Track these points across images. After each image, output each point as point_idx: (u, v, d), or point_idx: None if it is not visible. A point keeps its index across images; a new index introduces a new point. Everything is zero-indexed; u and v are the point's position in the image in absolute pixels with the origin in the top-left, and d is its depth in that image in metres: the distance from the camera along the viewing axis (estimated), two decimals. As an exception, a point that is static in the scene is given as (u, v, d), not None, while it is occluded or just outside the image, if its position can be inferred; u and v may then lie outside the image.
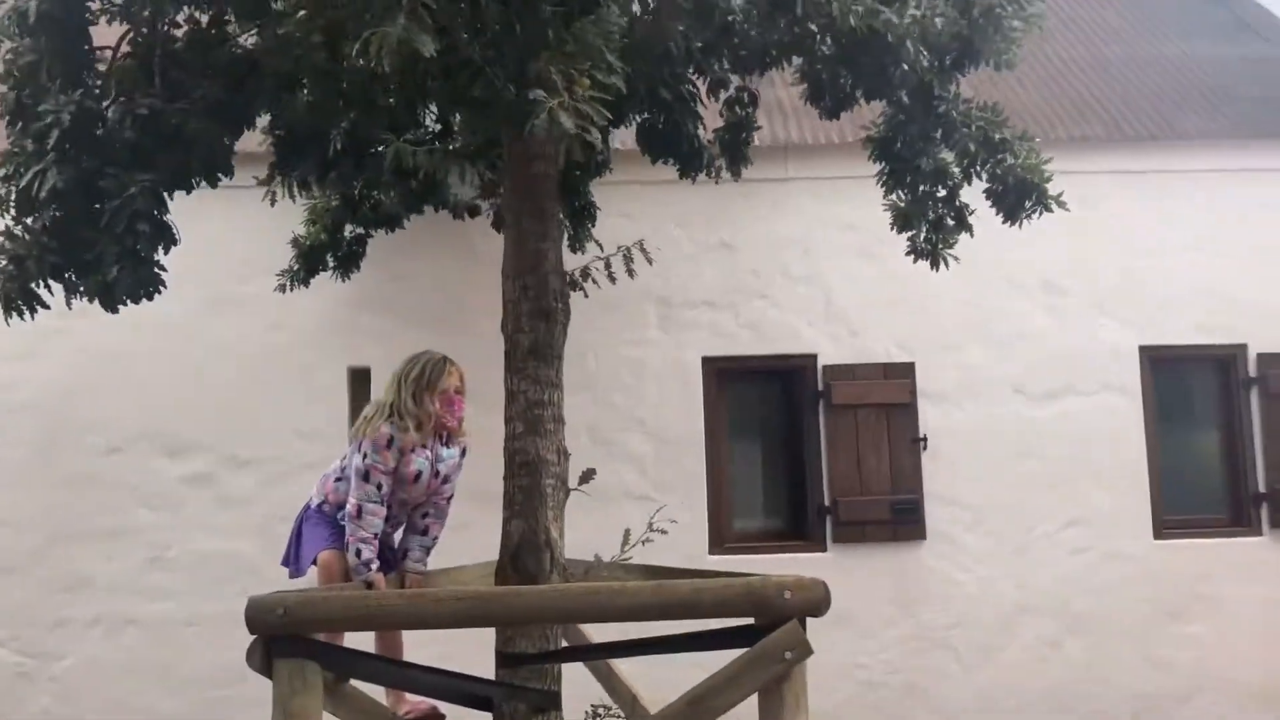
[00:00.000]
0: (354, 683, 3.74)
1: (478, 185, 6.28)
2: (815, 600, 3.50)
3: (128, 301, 4.06)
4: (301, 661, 3.45)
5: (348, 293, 7.66)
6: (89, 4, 4.15)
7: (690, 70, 5.22)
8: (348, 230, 7.16)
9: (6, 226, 4.04)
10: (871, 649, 7.70)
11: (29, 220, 3.97)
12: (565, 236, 5.81)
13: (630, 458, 7.80)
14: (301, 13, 4.29)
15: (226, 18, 4.50)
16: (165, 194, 4.06)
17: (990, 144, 5.60)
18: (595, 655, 4.70)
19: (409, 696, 4.51)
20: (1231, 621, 7.87)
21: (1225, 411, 8.29)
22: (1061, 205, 5.68)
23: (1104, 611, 7.84)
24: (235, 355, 7.74)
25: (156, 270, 4.09)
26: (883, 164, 5.87)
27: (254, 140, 5.41)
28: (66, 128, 3.74)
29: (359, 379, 7.83)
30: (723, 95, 5.76)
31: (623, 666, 4.91)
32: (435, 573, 4.76)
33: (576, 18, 3.34)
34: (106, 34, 4.34)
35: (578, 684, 4.81)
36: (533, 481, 4.42)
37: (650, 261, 6.15)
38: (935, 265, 6.03)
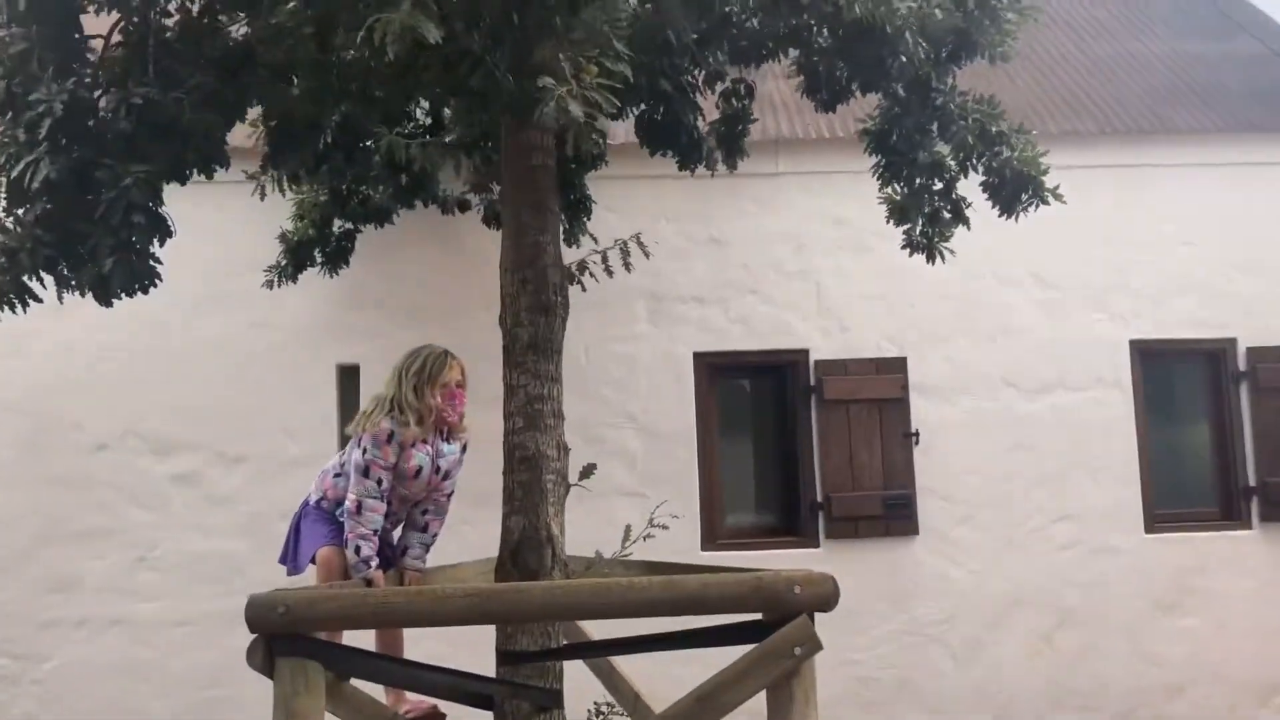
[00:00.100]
0: (354, 682, 3.68)
1: (471, 178, 6.25)
2: (825, 595, 3.46)
3: (122, 295, 3.99)
4: (303, 661, 3.38)
5: (336, 289, 7.60)
6: (80, -9, 4.09)
7: (687, 62, 5.17)
8: (336, 225, 7.09)
9: (-1, 219, 3.98)
10: (864, 644, 7.67)
11: (20, 212, 3.89)
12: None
13: (621, 454, 7.76)
14: (292, 3, 4.24)
15: (217, 7, 4.43)
16: (160, 185, 3.98)
17: (987, 137, 5.59)
18: (598, 652, 4.65)
19: (409, 695, 4.46)
20: (1222, 615, 7.90)
21: (1215, 405, 8.30)
22: (1058, 198, 5.67)
23: (1096, 605, 7.85)
24: (223, 352, 7.65)
25: (152, 263, 4.02)
26: (879, 157, 5.84)
27: (241, 134, 5.33)
28: (59, 117, 3.65)
29: (348, 376, 7.77)
30: (719, 87, 5.72)
31: (623, 664, 4.86)
32: (433, 570, 4.70)
33: (583, 4, 3.28)
34: (96, 24, 4.26)
35: (579, 682, 4.78)
36: (533, 477, 4.37)
37: (647, 255, 6.10)
38: (931, 259, 6.01)
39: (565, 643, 4.47)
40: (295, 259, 7.06)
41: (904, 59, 5.16)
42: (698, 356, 7.98)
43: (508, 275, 4.56)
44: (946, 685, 7.75)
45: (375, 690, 4.16)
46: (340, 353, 7.76)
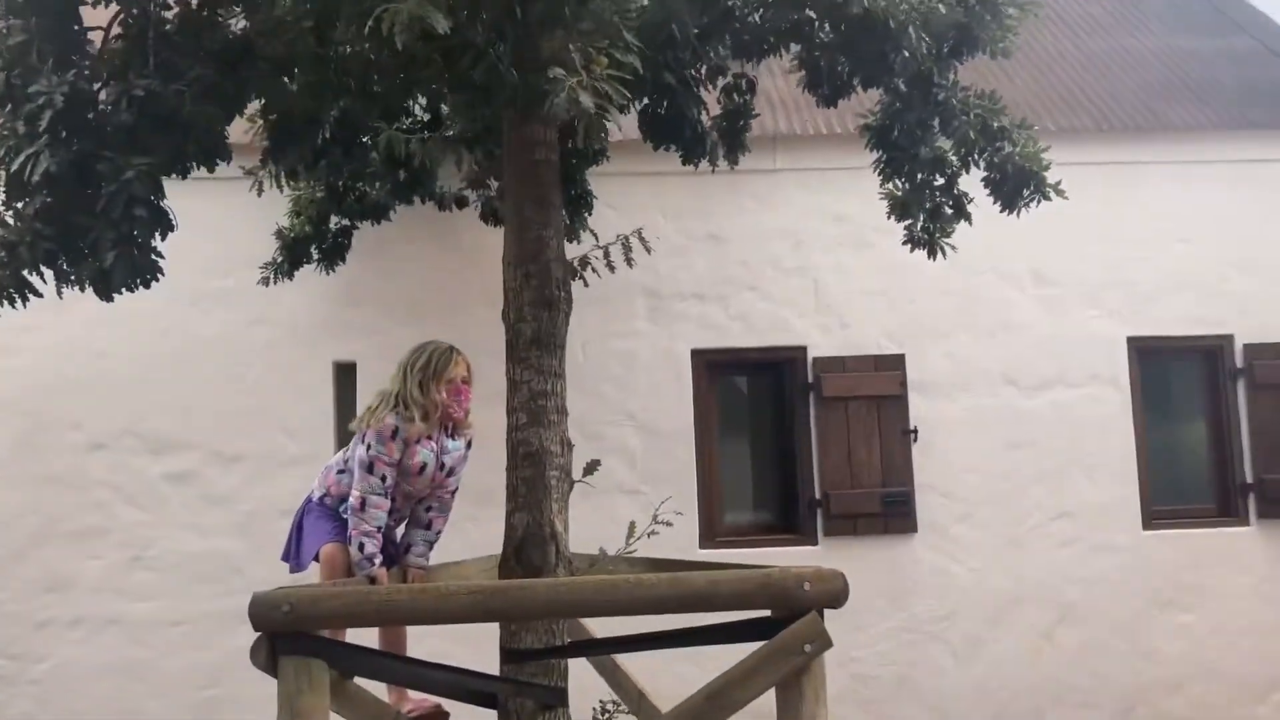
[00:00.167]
0: (356, 680, 3.65)
1: (472, 174, 6.22)
2: (834, 591, 3.45)
3: (123, 290, 3.94)
4: (307, 659, 3.35)
5: (332, 286, 7.55)
6: (80, -18, 4.05)
7: (689, 55, 5.14)
8: (333, 222, 7.05)
9: (-2, 213, 3.93)
10: (864, 642, 7.65)
11: (19, 205, 3.85)
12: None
13: (620, 451, 7.72)
14: (291, -3, 4.21)
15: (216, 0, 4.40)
16: (161, 178, 3.94)
17: (989, 132, 5.59)
18: (604, 650, 4.62)
19: (412, 694, 4.42)
20: (1221, 611, 7.90)
21: (1213, 402, 8.30)
22: (1060, 194, 5.67)
23: (1094, 602, 7.84)
24: (219, 350, 7.60)
25: (154, 256, 3.97)
26: (880, 152, 5.82)
27: (239, 129, 5.29)
28: (60, 110, 3.61)
29: (344, 373, 7.72)
30: (720, 82, 5.69)
31: (626, 661, 4.83)
32: (436, 568, 4.67)
33: (590, -5, 3.25)
34: (95, 16, 4.22)
35: (583, 680, 4.74)
36: (536, 473, 4.34)
37: (649, 250, 6.07)
38: (933, 254, 5.99)
39: (569, 640, 4.43)
40: (292, 256, 7.02)
41: (906, 54, 5.15)
42: (696, 353, 7.95)
43: (510, 270, 4.54)
44: (946, 683, 7.74)
45: (377, 688, 4.13)
46: (337, 350, 7.71)
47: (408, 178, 6.34)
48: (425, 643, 4.91)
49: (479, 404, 4.89)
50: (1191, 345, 8.25)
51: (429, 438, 4.32)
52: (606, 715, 5.13)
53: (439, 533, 4.61)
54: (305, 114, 4.76)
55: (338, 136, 5.57)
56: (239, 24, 4.47)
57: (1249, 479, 8.10)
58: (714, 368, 8.05)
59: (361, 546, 4.17)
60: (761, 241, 8.05)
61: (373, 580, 4.15)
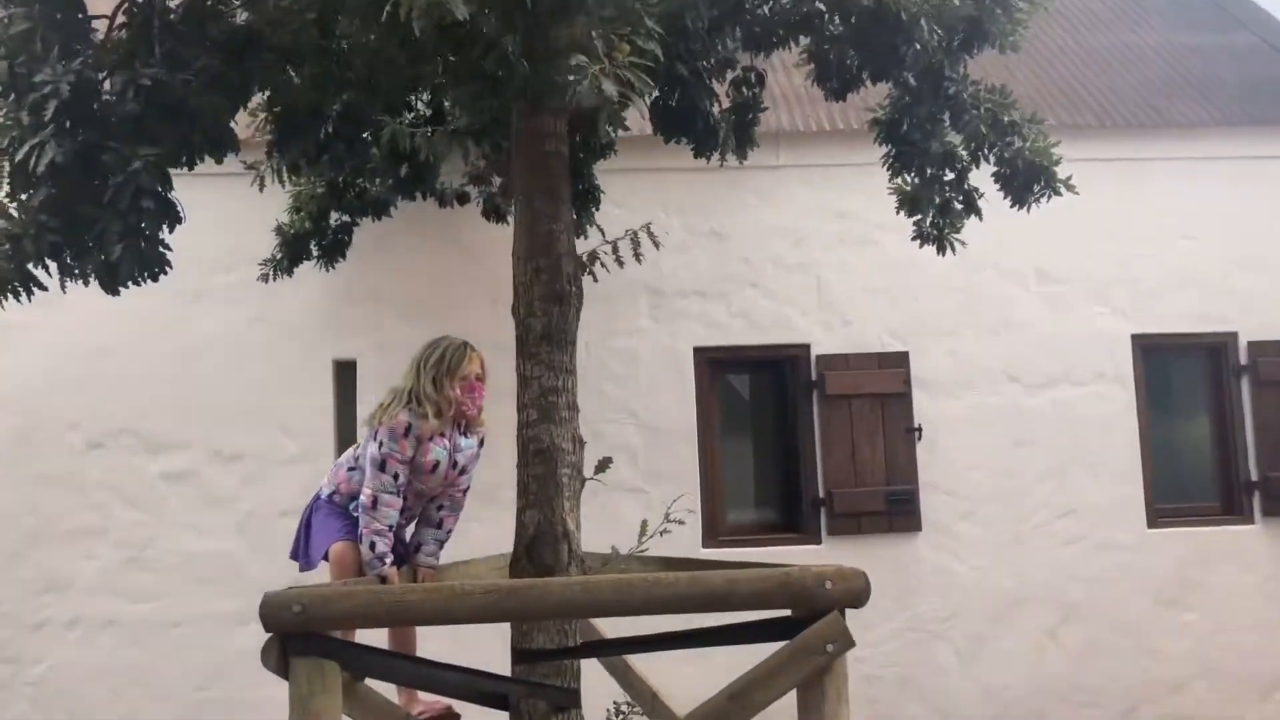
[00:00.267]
0: (367, 681, 3.58)
1: (479, 168, 6.15)
2: (856, 590, 3.40)
3: (129, 284, 3.86)
4: (319, 660, 3.28)
5: (332, 283, 7.49)
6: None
7: (700, 47, 5.08)
8: (333, 218, 6.97)
9: (2, 203, 3.83)
10: (867, 641, 7.55)
11: (23, 197, 3.76)
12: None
13: (622, 449, 7.61)
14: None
15: (222, -11, 4.32)
16: (168, 169, 3.86)
17: (999, 126, 5.53)
18: (617, 650, 4.55)
19: (422, 696, 4.35)
20: (1225, 609, 7.86)
21: (1217, 399, 8.27)
22: (1070, 189, 5.62)
23: (1099, 601, 7.80)
24: (217, 348, 7.52)
25: (161, 249, 3.89)
26: (889, 147, 5.76)
27: (241, 123, 5.21)
28: (65, 99, 3.53)
29: (344, 371, 7.66)
30: (729, 76, 5.62)
31: (638, 662, 4.76)
32: (445, 567, 4.59)
33: (610, -18, 3.18)
34: (98, 4, 4.15)
35: (594, 681, 4.67)
36: (548, 470, 4.27)
37: (658, 246, 6.00)
38: (942, 250, 5.93)
39: (582, 641, 4.36)
40: (291, 252, 6.95)
41: (918, 46, 5.10)
42: (698, 351, 7.89)
43: (520, 264, 4.47)
44: (949, 682, 7.69)
45: (386, 689, 4.06)
46: (337, 348, 7.65)
47: (410, 173, 6.25)
48: (426, 644, 4.83)
49: (486, 400, 4.82)
50: (1196, 342, 8.22)
51: (442, 435, 4.24)
52: (621, 716, 5.06)
53: (450, 532, 4.54)
54: (310, 106, 4.68)
55: (340, 131, 5.51)
56: (242, 15, 4.40)
57: (1253, 477, 8.07)
58: (716, 365, 8.00)
59: (373, 545, 4.10)
60: (764, 238, 7.99)
61: (383, 580, 4.08)
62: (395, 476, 4.12)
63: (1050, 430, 7.93)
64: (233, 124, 4.27)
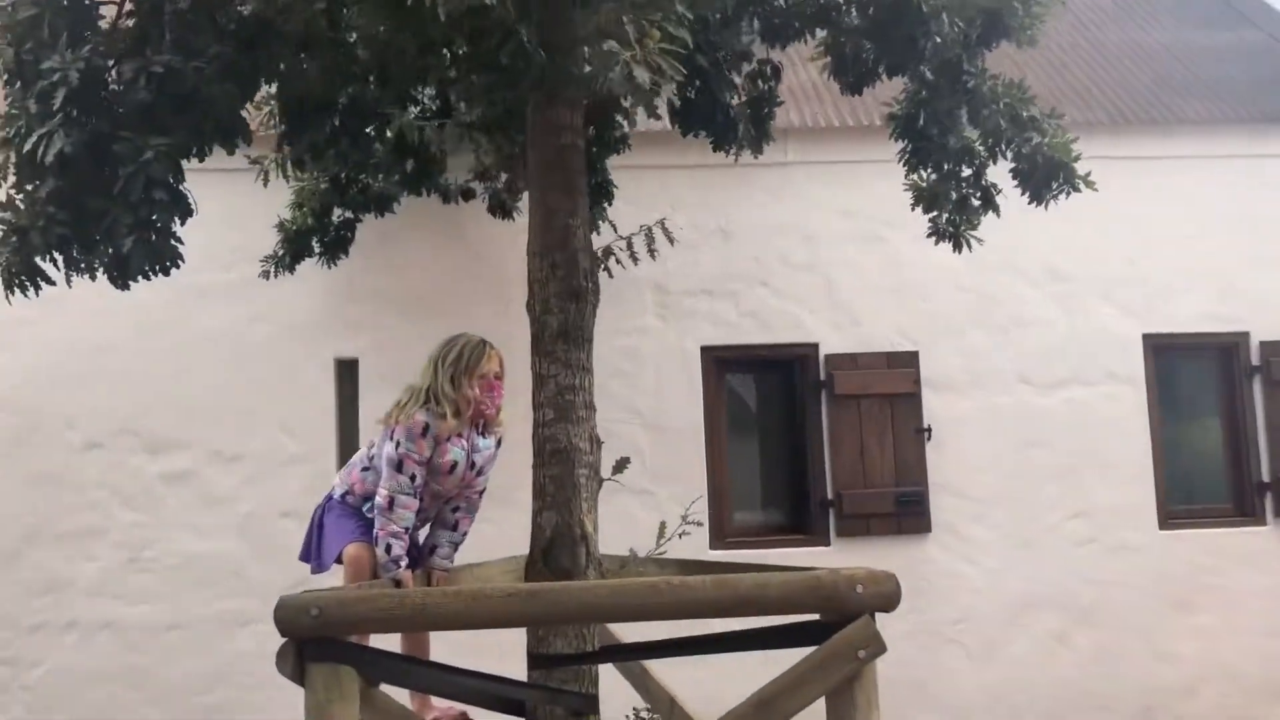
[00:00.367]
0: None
1: (492, 160, 6.06)
2: (888, 594, 3.33)
3: (139, 278, 3.75)
4: (336, 666, 3.17)
5: (334, 280, 7.38)
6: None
7: (718, 39, 4.99)
8: (335, 214, 6.86)
9: (8, 195, 3.71)
10: (877, 645, 7.49)
11: (29, 188, 3.64)
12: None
13: (628, 449, 7.46)
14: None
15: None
16: (180, 160, 3.74)
17: (1019, 121, 5.44)
18: (637, 655, 4.43)
19: (436, 702, 4.24)
20: (1237, 612, 7.78)
21: (1229, 400, 8.19)
22: (1090, 185, 5.54)
23: (1110, 604, 7.72)
24: (217, 346, 7.41)
25: (173, 242, 3.78)
26: (905, 142, 5.66)
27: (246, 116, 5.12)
28: (75, 87, 3.42)
29: (346, 370, 7.55)
30: (745, 68, 5.52)
31: (656, 668, 4.65)
32: (457, 569, 4.48)
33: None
34: (106, -10, 4.04)
35: (609, 686, 4.57)
36: (565, 471, 4.17)
37: (672, 242, 5.90)
38: (958, 247, 5.85)
39: (600, 645, 4.26)
40: (293, 249, 6.84)
41: (937, 40, 5.02)
42: (706, 350, 7.80)
43: (536, 259, 4.36)
44: (961, 686, 7.60)
45: (398, 694, 3.96)
46: (339, 346, 7.54)
47: (416, 168, 6.15)
48: (435, 647, 4.73)
49: (495, 399, 4.73)
50: (1208, 342, 8.14)
51: (460, 435, 4.13)
52: (640, 723, 4.96)
53: (465, 534, 4.42)
54: (320, 97, 4.57)
55: (346, 125, 5.40)
56: (251, 4, 4.29)
57: (1265, 478, 7.99)
58: (724, 365, 7.90)
59: (389, 548, 3.98)
60: (772, 236, 7.90)
61: (398, 583, 3.97)
62: (412, 478, 4.00)
63: (1061, 431, 7.84)
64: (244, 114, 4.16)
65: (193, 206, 3.89)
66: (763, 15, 5.02)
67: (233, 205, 7.00)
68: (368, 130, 5.66)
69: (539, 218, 4.37)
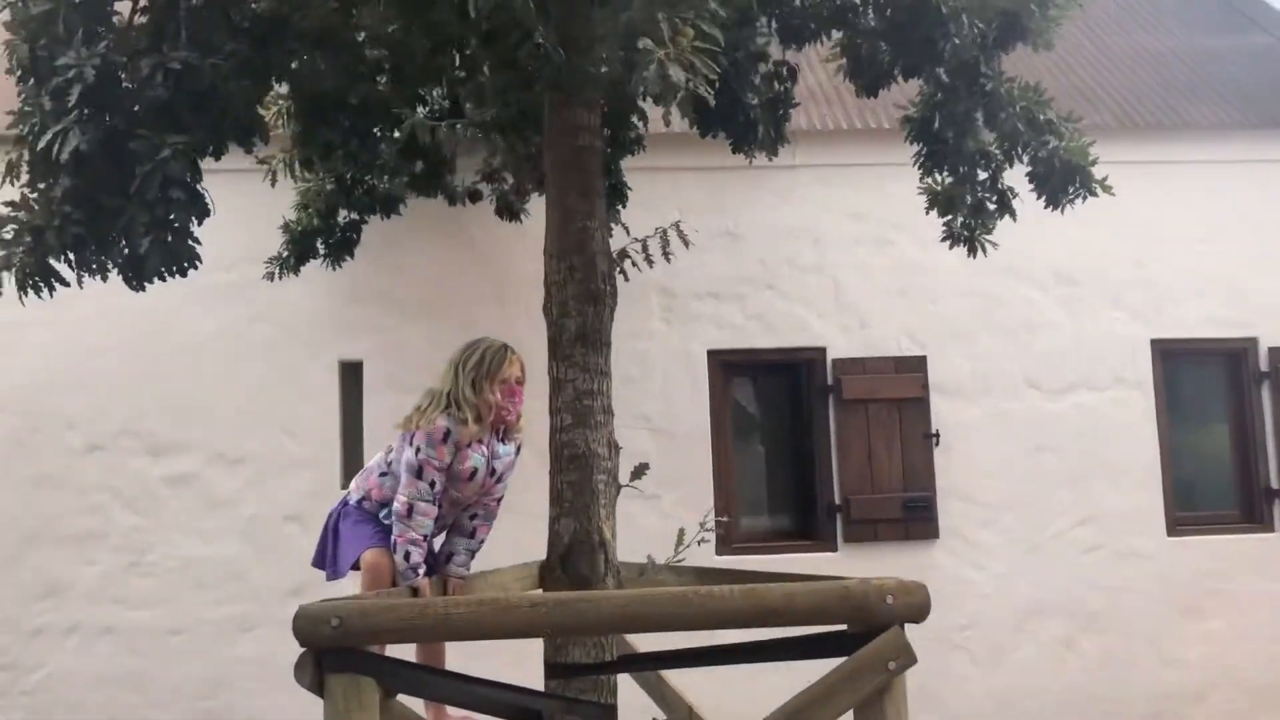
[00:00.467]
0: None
1: (489, 166, 6.00)
2: (918, 605, 3.26)
3: (154, 279, 3.67)
4: (356, 677, 3.10)
5: (338, 282, 7.31)
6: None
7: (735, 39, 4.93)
8: (341, 216, 6.79)
9: (22, 194, 3.63)
10: (884, 651, 7.43)
11: (42, 186, 3.56)
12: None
13: (634, 454, 7.39)
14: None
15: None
16: (198, 158, 3.67)
17: (1036, 125, 5.39)
18: (658, 665, 4.36)
19: (451, 711, 4.17)
20: (1245, 619, 7.74)
21: (1237, 406, 8.15)
22: (1107, 190, 5.49)
23: (1118, 610, 7.68)
24: (220, 348, 7.34)
25: (191, 242, 3.70)
26: (919, 145, 5.61)
27: (256, 115, 5.05)
28: (90, 84, 3.35)
29: (350, 373, 7.48)
30: (760, 69, 5.46)
31: (674, 677, 4.59)
32: (471, 577, 4.41)
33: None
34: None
35: (626, 694, 4.51)
36: (583, 477, 4.11)
37: (687, 245, 5.83)
38: (973, 251, 5.80)
39: (619, 655, 4.20)
40: (298, 250, 6.76)
41: (955, 41, 4.97)
42: (712, 354, 7.74)
43: (553, 262, 4.30)
44: (968, 692, 7.55)
45: (412, 702, 3.89)
46: (343, 349, 7.48)
47: (425, 169, 6.08)
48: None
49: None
50: (1216, 348, 8.10)
51: (480, 441, 4.05)
52: (658, 735, 4.89)
53: (482, 542, 4.33)
54: (334, 97, 4.50)
55: (356, 126, 5.34)
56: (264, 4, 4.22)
57: (1274, 484, 7.96)
58: (730, 369, 7.84)
59: (407, 555, 3.90)
60: (779, 239, 7.84)
61: (415, 591, 3.89)
62: (432, 484, 3.92)
63: (1069, 436, 7.80)
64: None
65: (210, 206, 3.82)
66: (780, 16, 4.95)
67: (236, 206, 6.80)
68: (377, 131, 5.61)
69: (556, 220, 4.31)
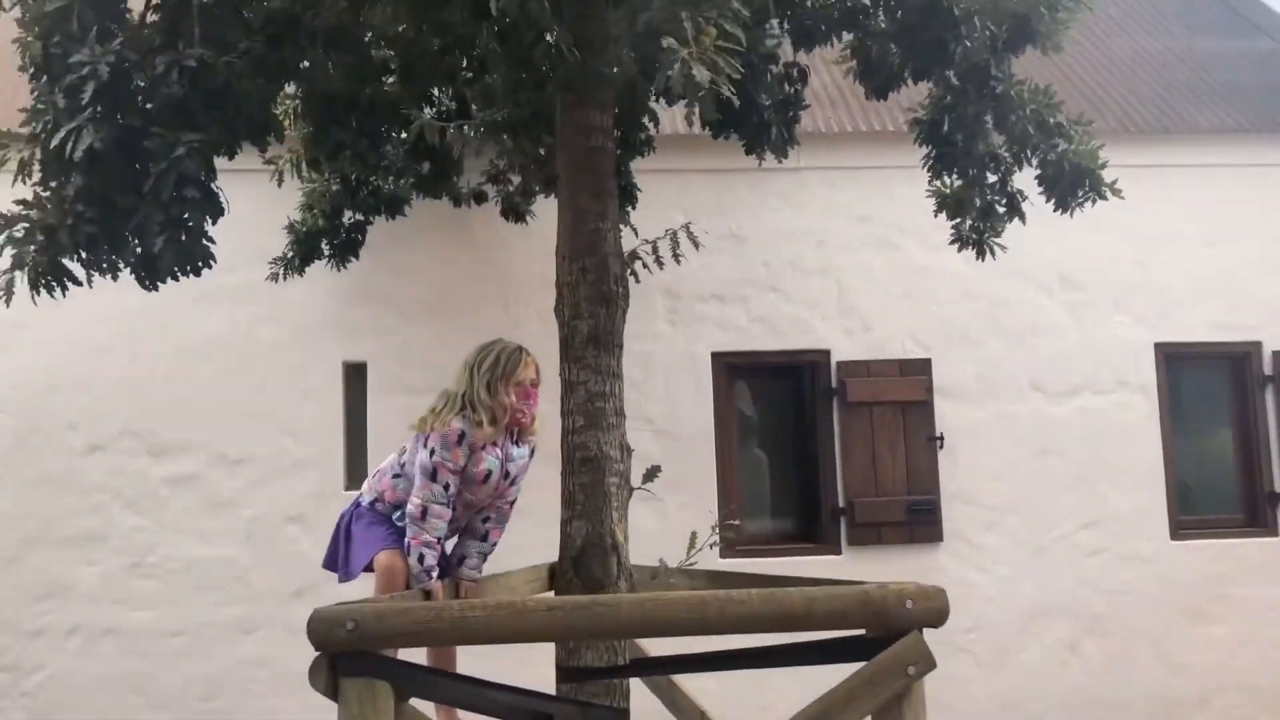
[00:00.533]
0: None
1: (499, 165, 5.98)
2: (938, 610, 3.27)
3: (168, 279, 3.64)
4: (371, 681, 3.08)
5: (342, 283, 7.27)
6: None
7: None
8: (346, 216, 6.76)
9: (35, 192, 3.60)
10: (888, 654, 7.41)
11: (55, 185, 3.53)
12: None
13: (637, 456, 7.38)
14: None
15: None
16: (212, 157, 3.64)
17: (1045, 128, 5.38)
18: (672, 669, 4.35)
19: (462, 714, 4.14)
20: (1249, 623, 7.74)
21: (1240, 410, 8.14)
22: (1116, 193, 5.49)
23: (1122, 613, 7.67)
24: (223, 349, 7.30)
25: (205, 242, 3.67)
26: (929, 148, 5.60)
27: (263, 115, 5.02)
28: (104, 81, 3.31)
29: (355, 374, 7.45)
30: (771, 71, 5.45)
31: (685, 681, 4.57)
32: (481, 580, 4.38)
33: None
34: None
35: (637, 699, 4.49)
36: (595, 479, 4.09)
37: (697, 246, 5.82)
38: (981, 254, 5.80)
39: (632, 659, 4.17)
40: (303, 250, 6.73)
41: (967, 43, 4.96)
42: (716, 356, 7.72)
43: (565, 263, 4.27)
44: (972, 694, 7.53)
45: (423, 705, 3.87)
46: (347, 350, 7.44)
47: (432, 170, 6.05)
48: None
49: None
50: (1219, 352, 8.09)
51: (494, 444, 4.02)
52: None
53: (494, 545, 4.31)
54: (346, 97, 4.48)
55: (364, 126, 5.32)
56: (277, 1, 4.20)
57: (1277, 488, 7.95)
58: (735, 371, 7.82)
59: (421, 558, 3.87)
60: (784, 241, 7.83)
61: (428, 594, 3.86)
62: (446, 487, 3.89)
63: (1073, 440, 7.79)
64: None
65: (224, 206, 3.79)
66: (792, 17, 4.93)
67: (239, 206, 6.79)
68: (385, 131, 5.59)
69: (568, 221, 4.29)
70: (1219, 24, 9.78)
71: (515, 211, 6.80)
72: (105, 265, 3.68)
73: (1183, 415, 8.09)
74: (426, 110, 5.72)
